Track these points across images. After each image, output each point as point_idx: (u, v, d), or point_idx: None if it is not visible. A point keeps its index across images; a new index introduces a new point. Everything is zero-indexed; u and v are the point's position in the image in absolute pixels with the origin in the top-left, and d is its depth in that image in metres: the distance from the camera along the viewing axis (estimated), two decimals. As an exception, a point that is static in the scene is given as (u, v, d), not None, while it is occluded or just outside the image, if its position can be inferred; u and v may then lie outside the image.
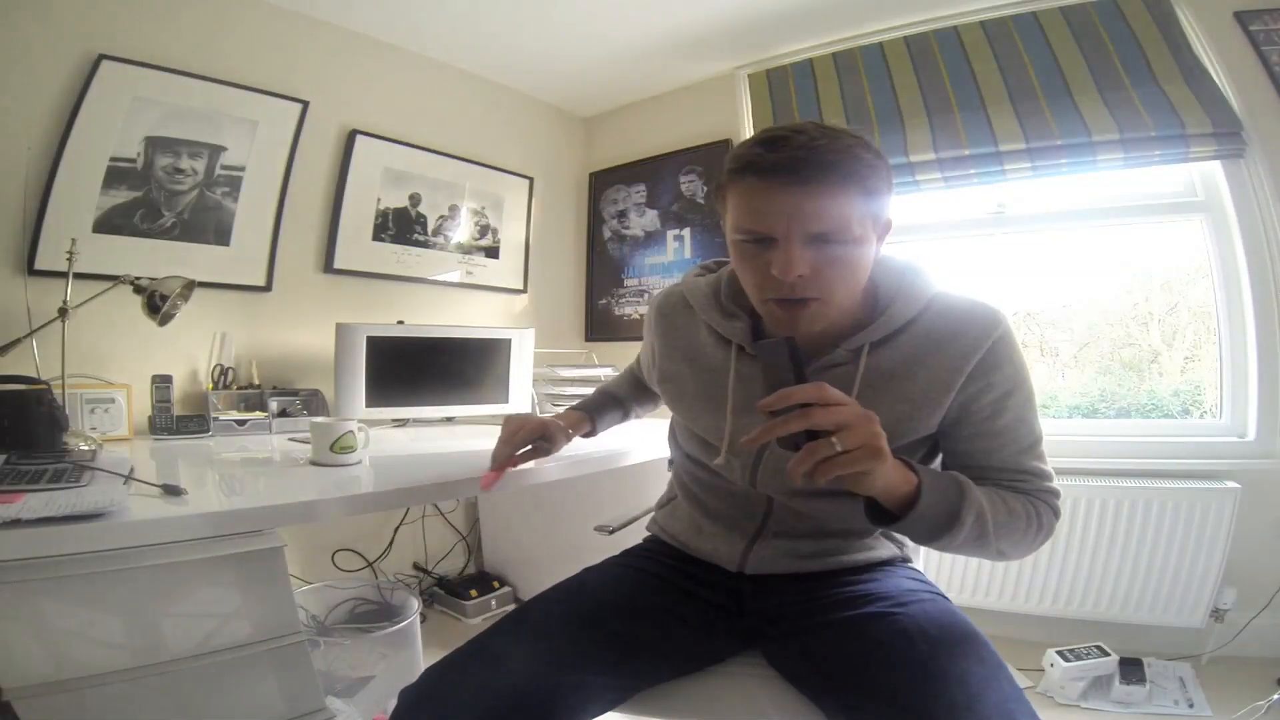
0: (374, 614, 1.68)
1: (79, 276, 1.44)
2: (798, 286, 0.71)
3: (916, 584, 0.84)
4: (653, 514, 1.06)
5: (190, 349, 1.80)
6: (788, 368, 0.64)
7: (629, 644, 0.79)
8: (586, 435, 1.17)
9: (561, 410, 1.20)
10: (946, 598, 0.83)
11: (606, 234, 2.84)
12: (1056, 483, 0.80)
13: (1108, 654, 1.61)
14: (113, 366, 1.64)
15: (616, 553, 1.00)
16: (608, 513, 1.26)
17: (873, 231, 0.73)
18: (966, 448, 0.80)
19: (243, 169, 1.87)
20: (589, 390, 1.33)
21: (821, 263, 0.70)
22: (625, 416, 1.23)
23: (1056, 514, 0.78)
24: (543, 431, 1.04)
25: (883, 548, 0.88)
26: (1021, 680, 1.69)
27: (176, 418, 1.65)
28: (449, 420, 2.09)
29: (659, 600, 0.87)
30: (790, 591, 0.85)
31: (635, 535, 1.10)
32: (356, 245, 2.15)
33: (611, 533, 1.29)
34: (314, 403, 1.90)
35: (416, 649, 1.57)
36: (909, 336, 0.78)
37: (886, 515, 0.71)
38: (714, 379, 0.88)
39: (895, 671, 0.67)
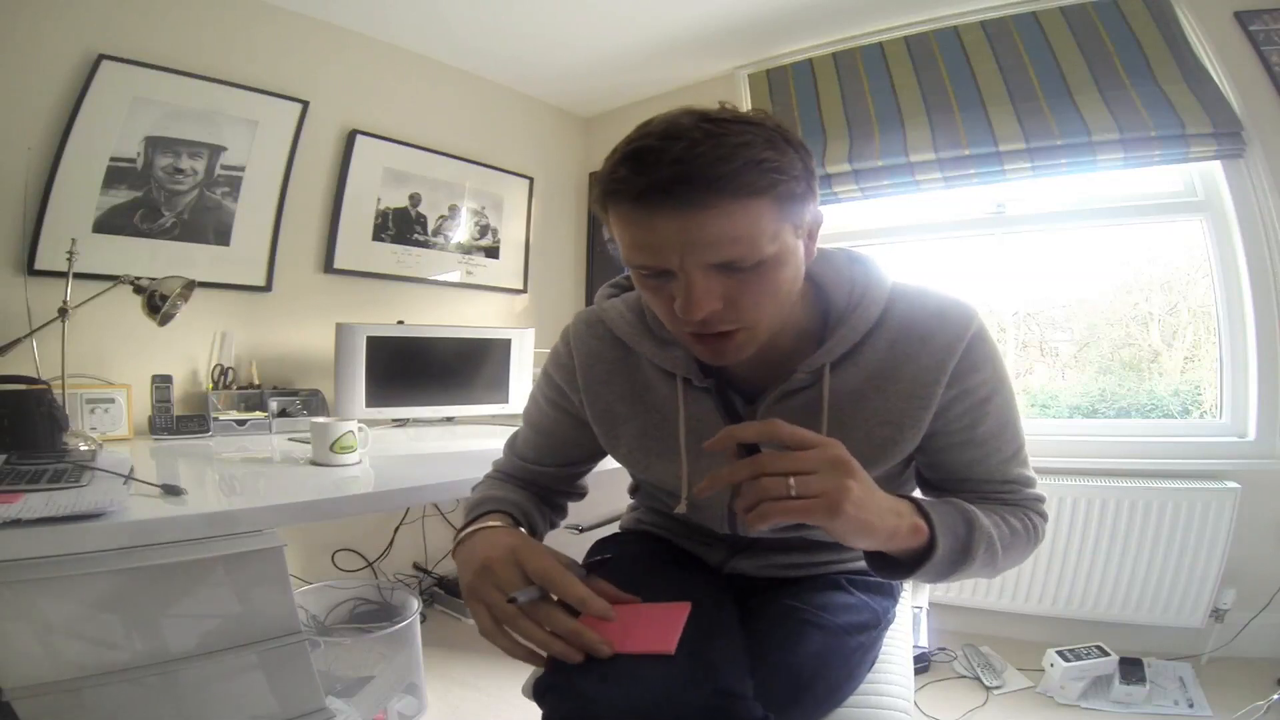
0: (374, 614, 1.68)
1: (79, 276, 1.45)
2: (711, 321, 0.59)
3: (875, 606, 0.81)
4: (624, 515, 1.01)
5: (190, 349, 1.80)
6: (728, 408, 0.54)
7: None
8: None
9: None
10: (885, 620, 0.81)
11: (606, 234, 2.81)
12: (1040, 486, 0.75)
13: (1108, 654, 1.61)
14: (113, 366, 1.64)
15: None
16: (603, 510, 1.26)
17: (794, 238, 0.60)
18: (945, 459, 0.72)
19: (243, 169, 1.87)
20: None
21: (735, 291, 0.58)
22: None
23: (1045, 518, 0.75)
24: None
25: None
26: (1021, 680, 1.70)
27: (176, 418, 1.65)
28: (449, 420, 2.09)
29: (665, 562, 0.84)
30: (769, 588, 0.82)
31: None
32: (356, 245, 2.15)
33: (581, 531, 1.28)
34: (314, 403, 1.90)
35: (416, 649, 1.57)
36: (873, 347, 0.68)
37: (884, 556, 0.64)
38: (661, 420, 0.75)
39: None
